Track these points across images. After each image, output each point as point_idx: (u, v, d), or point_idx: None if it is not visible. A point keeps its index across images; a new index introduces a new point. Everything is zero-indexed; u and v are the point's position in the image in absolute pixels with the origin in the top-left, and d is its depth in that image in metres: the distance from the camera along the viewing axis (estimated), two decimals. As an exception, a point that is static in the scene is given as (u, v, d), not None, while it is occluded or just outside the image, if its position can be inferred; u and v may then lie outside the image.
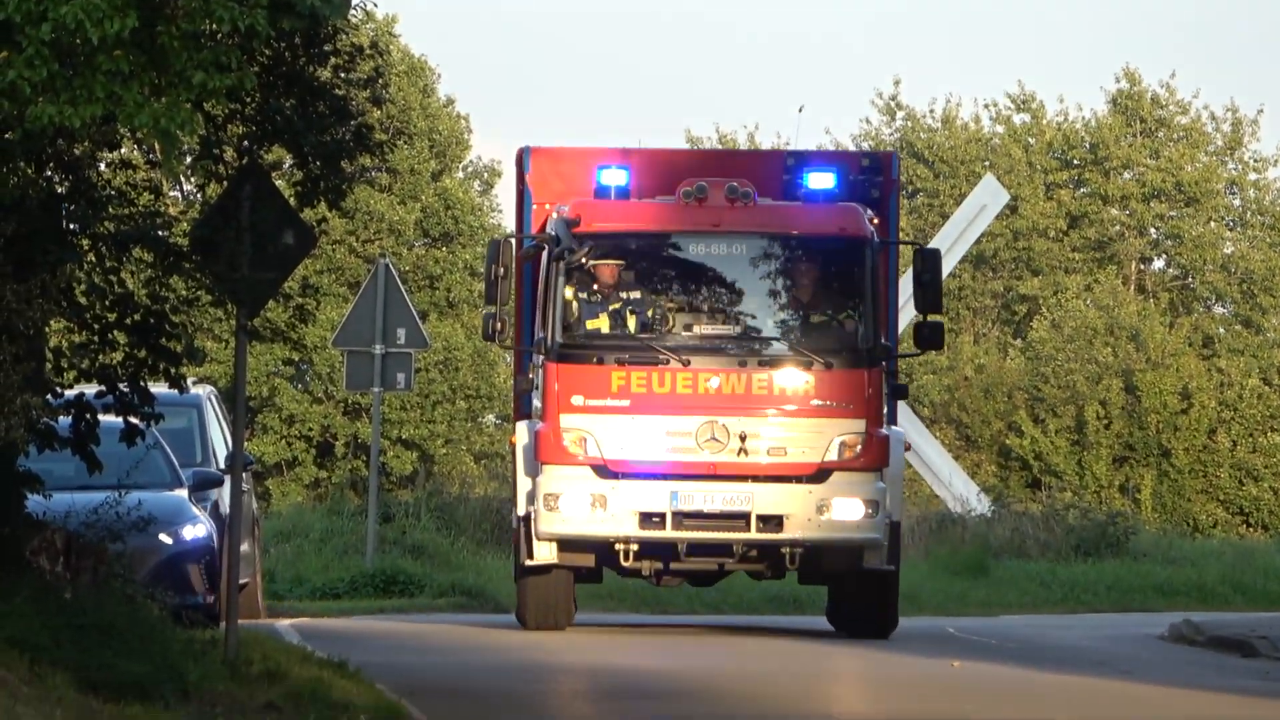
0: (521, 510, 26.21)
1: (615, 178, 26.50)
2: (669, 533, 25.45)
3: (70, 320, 24.61)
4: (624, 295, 26.35)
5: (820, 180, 26.83)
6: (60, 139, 22.45)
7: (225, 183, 24.78)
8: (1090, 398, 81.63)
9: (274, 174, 26.39)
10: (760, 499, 25.47)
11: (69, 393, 23.90)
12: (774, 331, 26.56)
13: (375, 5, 24.54)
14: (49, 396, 23.47)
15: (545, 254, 26.51)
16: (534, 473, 26.35)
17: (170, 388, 24.15)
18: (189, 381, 24.61)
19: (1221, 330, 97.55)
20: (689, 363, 25.75)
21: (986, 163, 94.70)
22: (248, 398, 34.22)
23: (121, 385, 23.69)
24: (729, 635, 32.32)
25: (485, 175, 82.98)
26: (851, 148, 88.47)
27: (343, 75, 24.77)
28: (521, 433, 26.80)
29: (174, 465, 30.29)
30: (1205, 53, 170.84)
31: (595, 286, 26.11)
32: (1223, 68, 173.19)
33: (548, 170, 28.24)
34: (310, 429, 79.00)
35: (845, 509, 25.60)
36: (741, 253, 26.24)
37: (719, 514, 25.51)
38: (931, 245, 31.77)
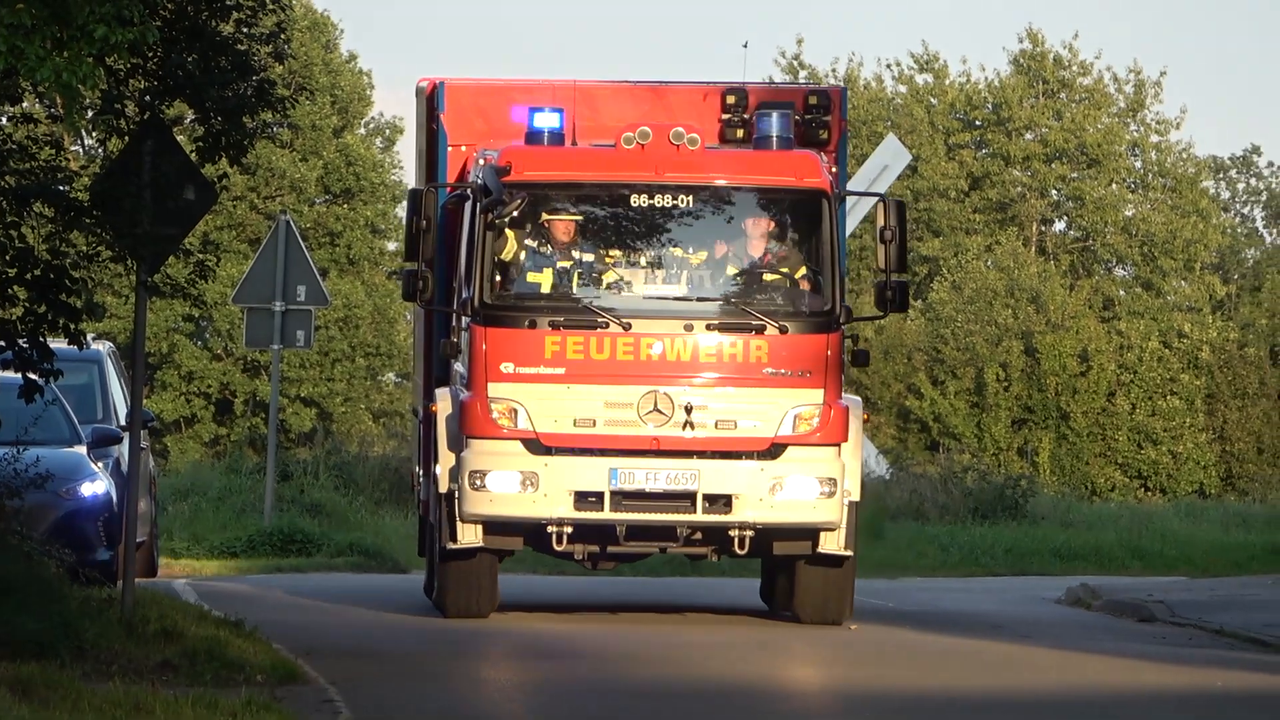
0: (443, 487, 23.80)
1: (548, 120, 24.22)
2: (607, 514, 23.39)
3: None
4: (559, 251, 24.18)
5: (771, 122, 24.29)
6: None
7: (127, 138, 24.89)
8: (990, 360, 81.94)
9: (175, 129, 26.17)
10: (707, 477, 23.33)
11: (-35, 348, 23.53)
12: (723, 292, 24.12)
13: None
14: None
15: (470, 205, 24.16)
16: (458, 447, 24.06)
17: (70, 344, 23.87)
18: (89, 337, 24.61)
19: (1122, 293, 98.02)
20: (630, 326, 23.54)
21: (888, 123, 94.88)
22: (147, 354, 34.12)
23: (21, 341, 23.39)
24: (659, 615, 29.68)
25: (387, 132, 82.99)
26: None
27: (245, 30, 24.53)
28: (444, 402, 24.41)
29: (73, 422, 29.91)
30: (1109, 14, 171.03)
31: (527, 242, 23.97)
32: (1126, 29, 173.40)
33: (467, 108, 25.84)
34: (209, 386, 78.91)
35: (801, 488, 23.34)
36: (688, 204, 23.97)
37: (662, 493, 23.36)
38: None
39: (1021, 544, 49.53)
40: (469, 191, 23.99)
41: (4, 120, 25.56)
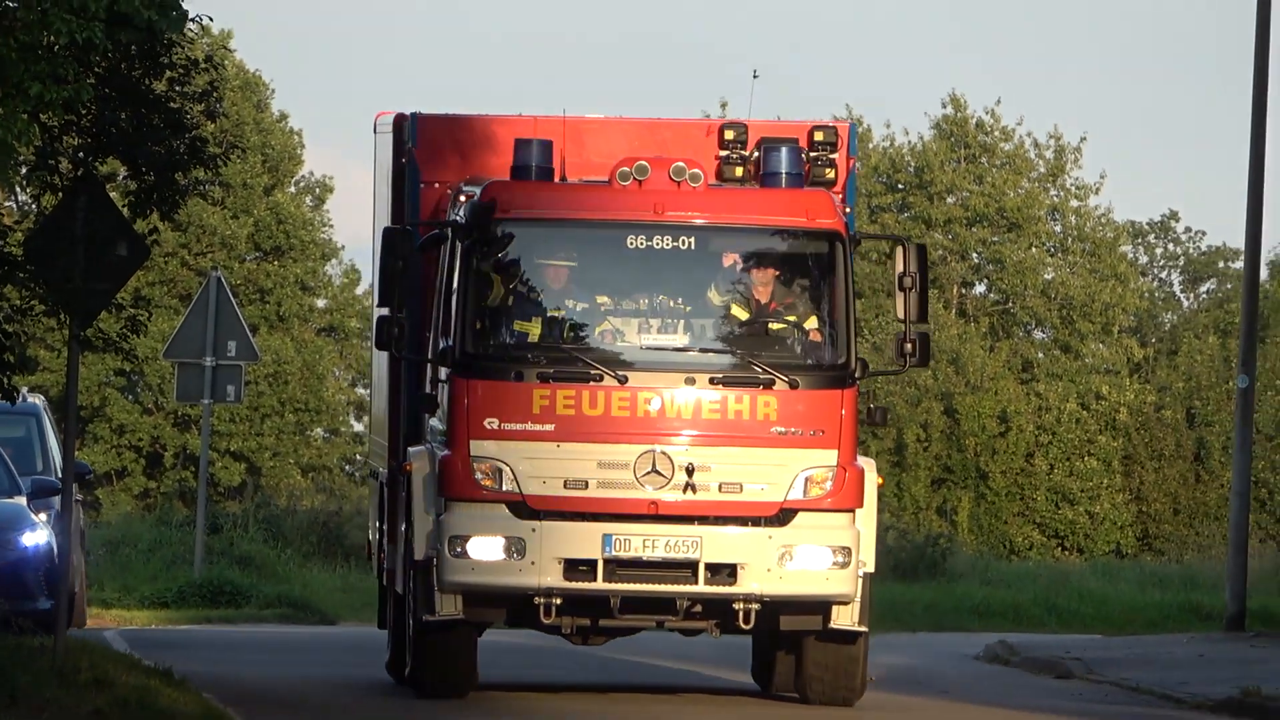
0: (420, 554, 21.52)
1: (536, 154, 21.85)
2: (600, 584, 21.05)
3: None
4: (549, 297, 21.84)
5: (780, 157, 21.93)
6: None
7: (60, 194, 24.83)
8: (909, 420, 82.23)
9: (108, 185, 26.21)
10: (710, 545, 20.90)
11: (-100, 401, 23.60)
12: (728, 342, 21.67)
13: (210, 20, 23.95)
14: None
15: (450, 246, 21.98)
16: (437, 510, 21.63)
17: (2, 398, 24.00)
18: (22, 391, 24.75)
19: (1041, 355, 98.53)
20: (626, 380, 21.18)
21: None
22: (79, 407, 34.29)
23: None
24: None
25: (317, 190, 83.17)
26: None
27: (178, 89, 24.42)
28: (420, 460, 22.08)
29: (12, 473, 30.18)
30: (1031, 80, 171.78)
31: (514, 286, 21.65)
32: (1048, 96, 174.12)
33: (443, 142, 23.47)
34: (140, 439, 79.15)
35: (812, 557, 20.99)
36: (690, 246, 21.53)
37: (661, 562, 20.98)
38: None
39: (941, 602, 49.78)
40: (448, 231, 21.84)
41: None
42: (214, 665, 28.12)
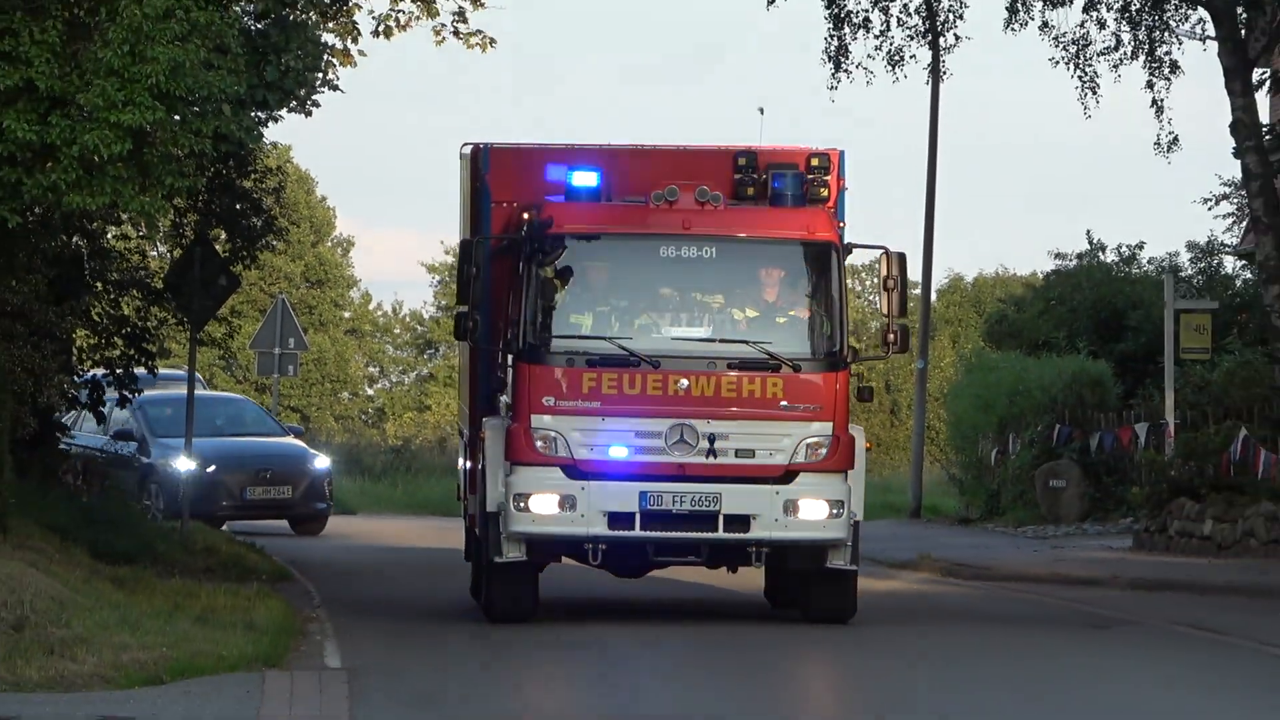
0: (491, 507, 18.88)
1: (587, 179, 19.09)
2: (638, 533, 18.37)
3: (88, 330, 25.85)
4: (596, 297, 19.31)
5: (786, 182, 19.25)
6: (84, 218, 22.75)
7: (185, 248, 26.13)
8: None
9: (215, 243, 26.81)
10: (728, 500, 18.30)
11: (86, 375, 25.61)
12: (743, 334, 18.88)
13: (275, 145, 25.59)
14: (74, 377, 25.00)
15: (515, 255, 19.43)
16: (504, 471, 18.98)
17: (147, 372, 26.11)
18: (158, 369, 27.48)
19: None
20: (659, 365, 18.41)
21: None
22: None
23: (118, 371, 25.54)
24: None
25: (345, 245, 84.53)
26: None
27: (259, 183, 25.31)
28: (492, 431, 19.29)
29: (280, 423, 35.43)
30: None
31: (567, 288, 18.91)
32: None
33: (509, 169, 20.57)
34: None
35: (812, 509, 18.26)
36: (711, 255, 18.76)
37: (687, 515, 18.29)
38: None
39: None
40: (514, 243, 19.20)
41: (110, 236, 26.18)
42: (280, 545, 28.01)
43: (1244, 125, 26.75)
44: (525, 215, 18.88)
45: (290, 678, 16.99)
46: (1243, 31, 27.06)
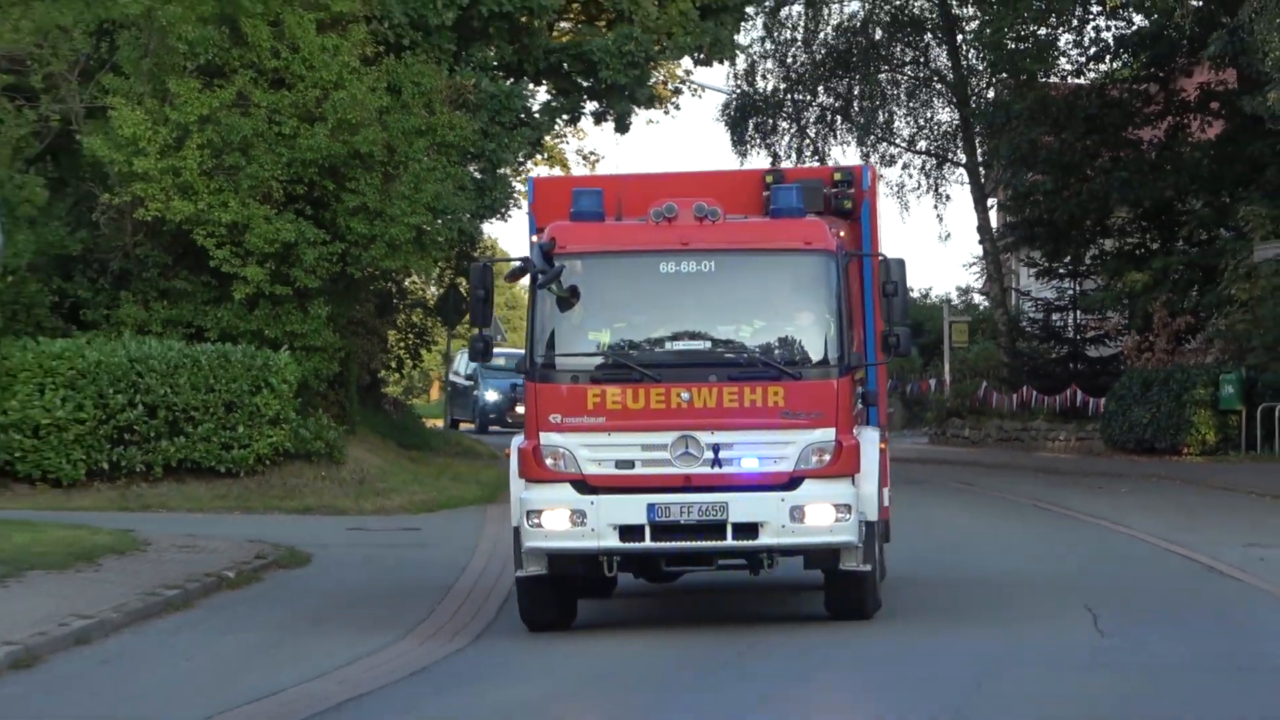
0: (514, 521, 17.37)
1: (589, 200, 17.63)
2: (648, 544, 16.89)
3: (394, 330, 38.58)
4: (599, 314, 17.64)
5: (786, 195, 17.63)
6: (391, 273, 31.75)
7: (444, 289, 38.02)
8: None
9: (458, 288, 36.17)
10: (735, 508, 16.77)
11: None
12: (743, 345, 17.42)
13: (489, 236, 35.68)
14: (385, 354, 37.63)
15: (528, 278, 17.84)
16: (519, 489, 17.46)
17: (411, 368, 38.56)
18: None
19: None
20: (661, 378, 16.87)
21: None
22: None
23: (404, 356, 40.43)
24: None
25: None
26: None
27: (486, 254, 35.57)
28: (513, 449, 17.66)
29: None
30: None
31: (572, 307, 17.36)
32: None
33: (548, 197, 19.40)
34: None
35: (817, 514, 16.71)
36: (710, 269, 17.18)
37: (696, 525, 16.75)
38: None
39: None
40: (522, 265, 17.64)
41: (406, 282, 37.03)
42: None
43: (982, 228, 47.58)
44: (533, 239, 17.90)
45: (500, 509, 23.01)
46: (982, 177, 46.88)
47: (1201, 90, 41.43)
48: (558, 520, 16.23)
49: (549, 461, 16.28)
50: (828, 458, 16.17)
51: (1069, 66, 43.93)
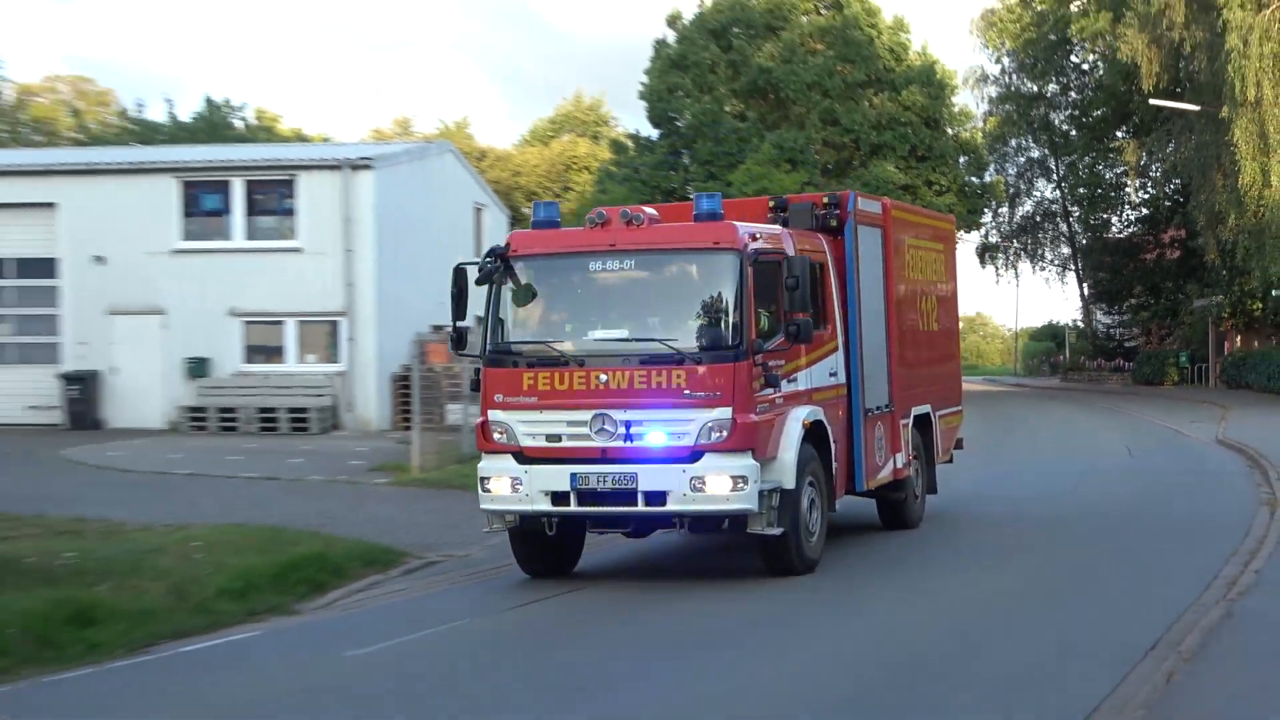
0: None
1: (548, 212, 18.61)
2: (573, 508, 17.54)
3: None
4: (541, 308, 18.36)
5: (707, 202, 18.11)
6: None
7: None
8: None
9: None
10: (644, 479, 17.21)
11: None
12: (653, 333, 17.57)
13: None
14: None
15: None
16: (477, 458, 18.80)
17: None
18: None
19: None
20: (584, 363, 17.45)
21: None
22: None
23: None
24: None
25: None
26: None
27: None
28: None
29: None
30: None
31: (519, 301, 18.18)
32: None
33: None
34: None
35: (715, 484, 17.14)
36: (631, 266, 17.75)
37: (611, 493, 17.32)
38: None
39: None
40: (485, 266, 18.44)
41: None
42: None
43: (1082, 296, 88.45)
44: (492, 245, 18.99)
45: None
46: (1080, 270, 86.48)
47: (1171, 239, 78.02)
48: (502, 486, 17.77)
49: (495, 435, 17.80)
50: (725, 434, 17.00)
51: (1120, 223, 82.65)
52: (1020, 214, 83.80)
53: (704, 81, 64.96)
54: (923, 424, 22.87)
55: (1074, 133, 78.65)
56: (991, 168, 75.62)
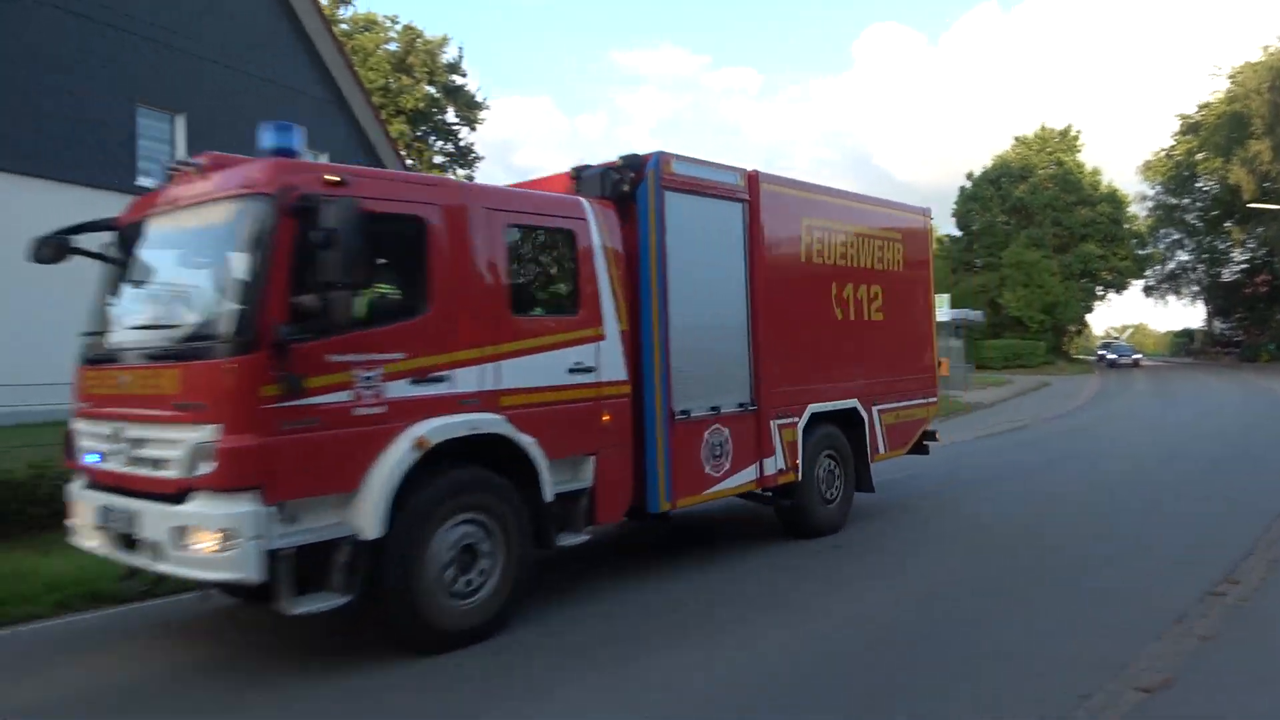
0: None
1: (279, 138, 11.97)
2: (121, 553, 11.77)
3: None
4: (115, 286, 12.65)
5: (276, 135, 11.73)
6: None
7: None
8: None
9: None
10: (144, 522, 11.40)
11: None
12: (149, 317, 12.04)
13: None
14: None
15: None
16: None
17: None
18: None
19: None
20: (115, 359, 11.99)
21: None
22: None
23: None
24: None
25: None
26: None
27: None
28: None
29: None
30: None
31: (106, 280, 12.79)
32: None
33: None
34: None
35: (198, 539, 10.90)
36: (164, 230, 12.29)
37: (126, 536, 11.66)
38: None
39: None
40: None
41: None
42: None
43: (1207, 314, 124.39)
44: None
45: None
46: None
47: (1262, 280, 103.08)
48: (81, 514, 12.28)
49: (76, 448, 12.48)
50: (213, 465, 10.83)
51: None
52: (1168, 269, 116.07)
53: (986, 205, 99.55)
54: (845, 420, 17.66)
55: (1199, 223, 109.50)
56: (1149, 244, 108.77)
